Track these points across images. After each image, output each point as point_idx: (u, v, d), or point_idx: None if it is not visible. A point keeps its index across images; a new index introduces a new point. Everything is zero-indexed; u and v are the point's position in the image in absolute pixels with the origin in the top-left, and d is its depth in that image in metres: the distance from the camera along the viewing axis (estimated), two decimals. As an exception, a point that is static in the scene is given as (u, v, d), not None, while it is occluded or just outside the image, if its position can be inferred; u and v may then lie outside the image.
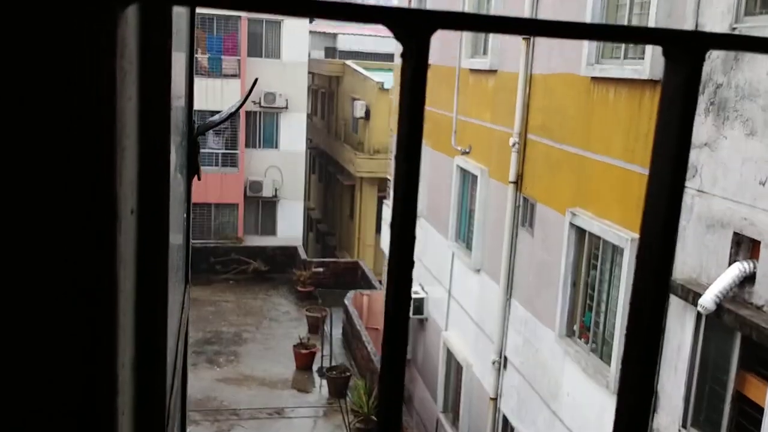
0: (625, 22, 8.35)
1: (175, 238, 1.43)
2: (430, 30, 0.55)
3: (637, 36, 0.73)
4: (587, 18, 8.83)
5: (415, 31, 0.54)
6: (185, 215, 1.88)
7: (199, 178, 2.00)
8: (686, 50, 0.61)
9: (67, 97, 0.59)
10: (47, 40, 0.57)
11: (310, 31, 28.42)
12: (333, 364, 17.27)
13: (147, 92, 0.75)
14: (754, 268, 6.09)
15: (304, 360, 17.67)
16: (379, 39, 37.44)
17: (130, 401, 0.79)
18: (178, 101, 1.67)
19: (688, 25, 7.03)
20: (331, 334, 18.24)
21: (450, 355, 13.69)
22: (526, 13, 10.50)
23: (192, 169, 1.90)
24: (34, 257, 0.62)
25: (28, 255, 0.62)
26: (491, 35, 11.95)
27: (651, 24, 7.57)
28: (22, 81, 0.58)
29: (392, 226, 0.53)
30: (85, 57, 0.58)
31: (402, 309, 0.55)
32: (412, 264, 0.55)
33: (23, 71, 0.57)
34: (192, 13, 2.13)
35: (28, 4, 0.56)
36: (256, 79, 3.07)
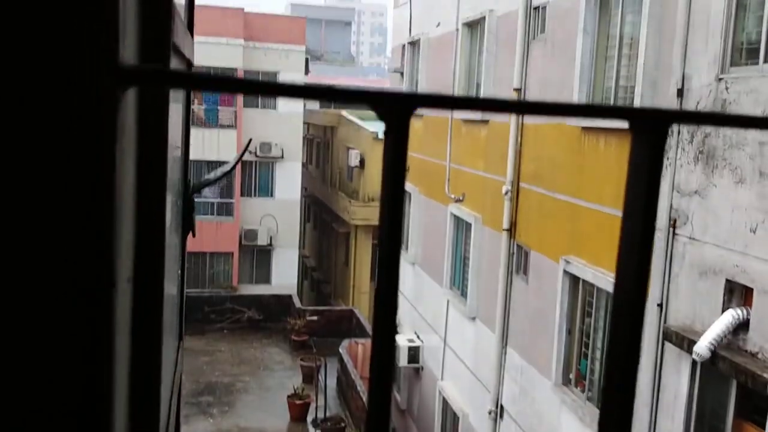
0: (614, 74, 8.52)
1: (169, 296, 1.46)
2: (410, 110, 0.59)
3: (605, 112, 0.78)
4: (576, 72, 9.00)
5: (395, 110, 0.59)
6: (179, 272, 1.91)
7: (194, 235, 2.03)
8: (650, 125, 0.65)
9: (65, 177, 0.62)
10: (47, 121, 0.61)
11: (306, 83, 28.79)
12: (328, 414, 17.04)
13: (144, 167, 0.79)
14: (748, 314, 6.10)
15: (298, 411, 17.44)
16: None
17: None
18: (174, 152, 1.71)
19: (676, 76, 7.16)
20: (325, 384, 18.04)
21: (446, 405, 13.54)
22: (516, 68, 10.71)
23: (187, 226, 1.94)
24: (30, 325, 0.65)
25: (25, 323, 0.65)
26: (483, 86, 12.15)
27: (639, 74, 7.72)
28: (20, 160, 0.61)
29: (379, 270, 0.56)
30: (85, 140, 0.62)
31: (387, 347, 0.57)
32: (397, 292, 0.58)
33: (22, 151, 0.61)
34: (189, 66, 2.18)
35: (31, 88, 0.60)
36: (250, 140, 3.14)
